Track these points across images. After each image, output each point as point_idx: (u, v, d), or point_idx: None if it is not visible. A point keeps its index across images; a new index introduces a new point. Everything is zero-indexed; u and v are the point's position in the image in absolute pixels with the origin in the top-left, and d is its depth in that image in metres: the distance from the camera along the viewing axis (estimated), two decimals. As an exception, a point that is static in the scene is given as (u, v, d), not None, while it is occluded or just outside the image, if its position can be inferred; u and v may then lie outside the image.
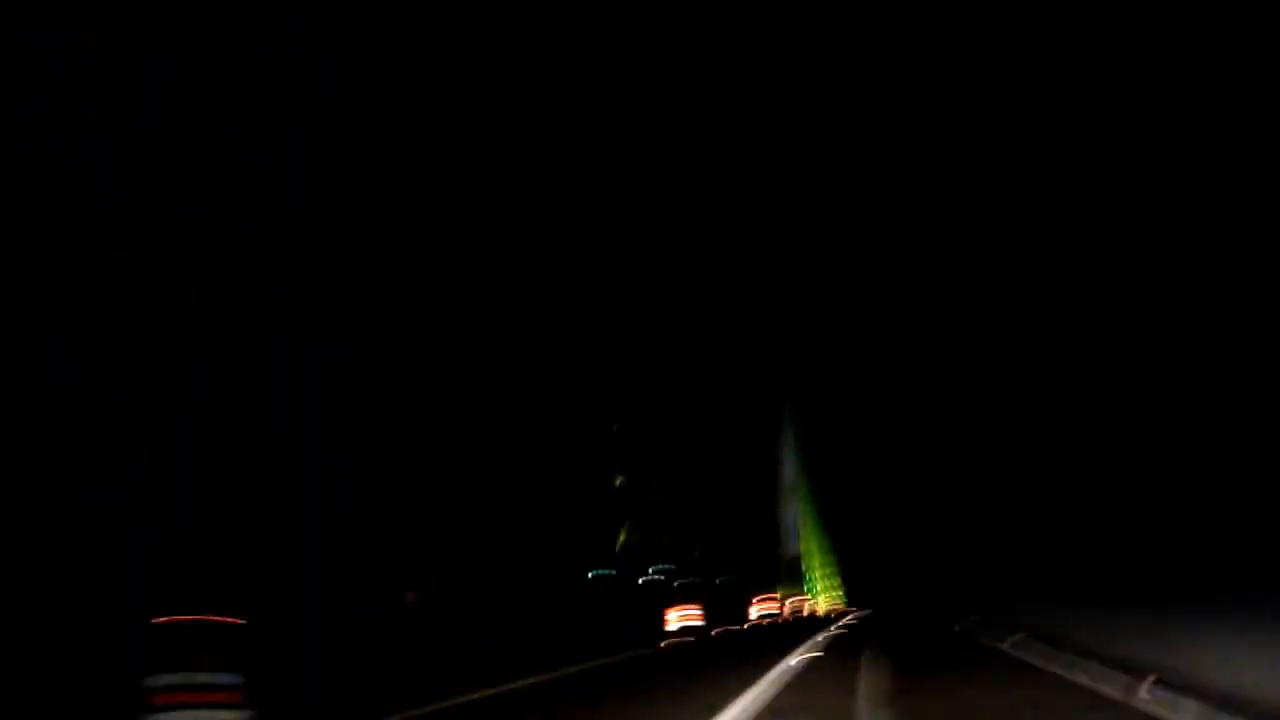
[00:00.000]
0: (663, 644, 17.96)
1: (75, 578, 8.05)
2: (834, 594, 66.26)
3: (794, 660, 12.30)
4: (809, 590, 63.75)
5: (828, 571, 66.55)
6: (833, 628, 30.04)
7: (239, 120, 10.06)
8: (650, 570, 24.87)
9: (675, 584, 24.84)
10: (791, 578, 61.28)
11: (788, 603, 51.58)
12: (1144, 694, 6.10)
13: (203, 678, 6.23)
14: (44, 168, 8.64)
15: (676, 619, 19.38)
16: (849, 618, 41.89)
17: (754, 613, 34.62)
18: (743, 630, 28.87)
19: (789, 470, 62.76)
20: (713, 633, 23.99)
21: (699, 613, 20.24)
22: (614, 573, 20.57)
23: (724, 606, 30.87)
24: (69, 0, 8.85)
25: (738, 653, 16.44)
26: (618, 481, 22.85)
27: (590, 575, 20.29)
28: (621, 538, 22.85)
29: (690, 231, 30.99)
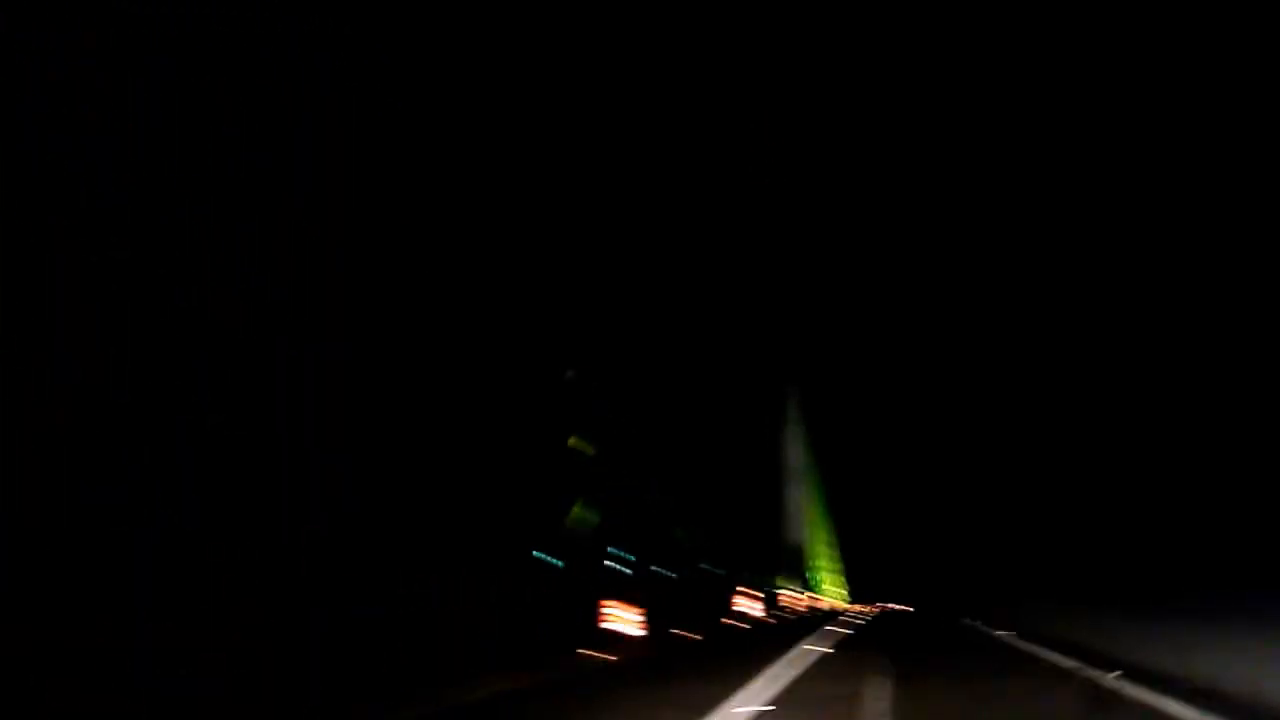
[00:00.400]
0: (582, 653, 14.78)
1: (75, 578, 8.07)
2: (836, 590, 63.90)
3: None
4: (813, 583, 60.78)
5: (831, 566, 64.24)
6: (832, 630, 25.48)
7: (239, 120, 10.04)
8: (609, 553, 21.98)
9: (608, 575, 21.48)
10: (793, 569, 58.35)
11: (783, 597, 47.55)
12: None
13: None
14: (44, 168, 8.63)
15: (614, 621, 16.40)
16: (852, 616, 38.15)
17: (741, 607, 30.61)
18: (722, 630, 25.15)
19: (795, 453, 59.86)
20: (671, 631, 19.83)
21: (640, 618, 16.69)
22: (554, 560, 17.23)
23: (700, 602, 27.06)
24: (69, 0, 8.83)
25: (672, 676, 12.81)
26: (570, 441, 20.32)
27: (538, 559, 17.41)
28: (575, 512, 20.06)
29: (696, 207, 30.44)
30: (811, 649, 16.99)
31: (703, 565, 31.22)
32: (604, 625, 16.32)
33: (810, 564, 60.56)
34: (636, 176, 24.46)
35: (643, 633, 17.06)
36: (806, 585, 58.43)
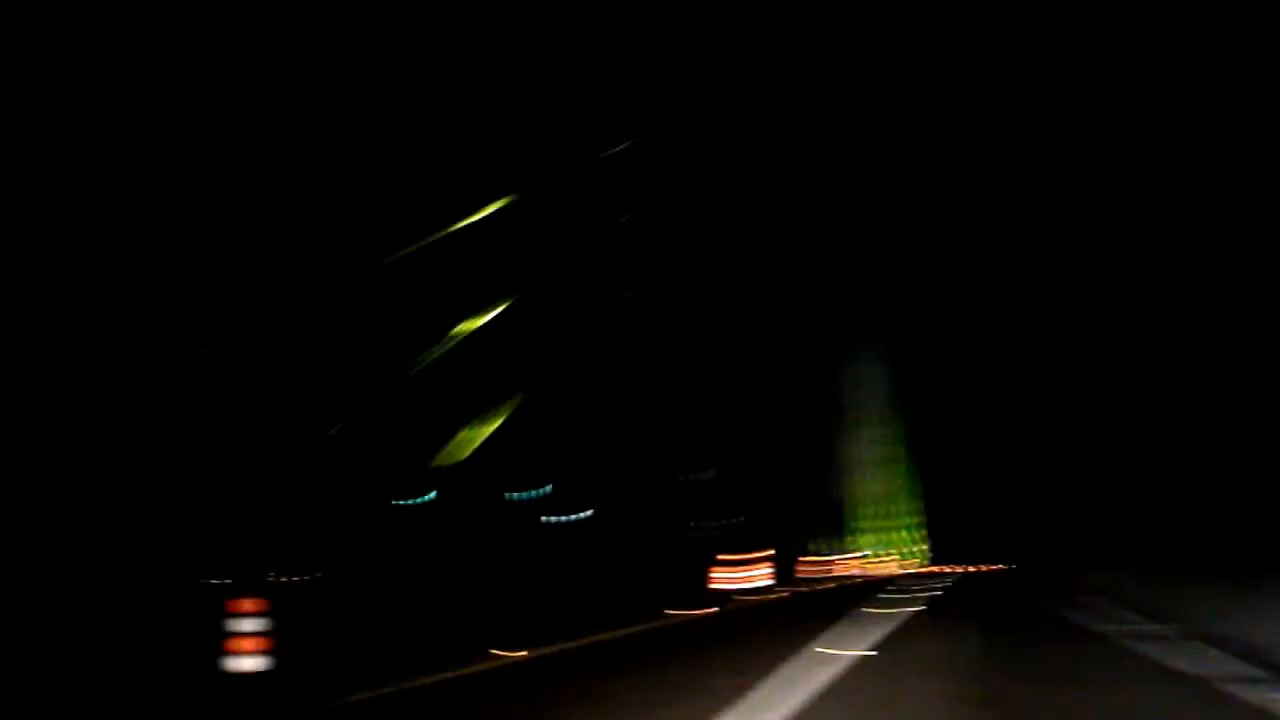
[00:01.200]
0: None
1: (74, 578, 8.10)
2: (912, 548, 54.27)
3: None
4: (862, 541, 52.24)
5: (909, 521, 54.51)
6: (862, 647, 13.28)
7: (239, 120, 10.08)
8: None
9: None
10: (836, 526, 49.51)
11: (805, 566, 40.67)
12: None
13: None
14: (44, 168, 8.67)
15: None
16: (922, 592, 26.07)
17: (724, 583, 23.95)
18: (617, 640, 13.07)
19: (871, 391, 51.95)
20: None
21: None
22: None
23: (686, 574, 22.47)
24: (69, 0, 8.88)
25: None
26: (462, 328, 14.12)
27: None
28: (467, 433, 13.34)
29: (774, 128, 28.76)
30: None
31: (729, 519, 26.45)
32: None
33: (862, 519, 49.93)
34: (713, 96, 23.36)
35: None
36: (851, 545, 48.64)
